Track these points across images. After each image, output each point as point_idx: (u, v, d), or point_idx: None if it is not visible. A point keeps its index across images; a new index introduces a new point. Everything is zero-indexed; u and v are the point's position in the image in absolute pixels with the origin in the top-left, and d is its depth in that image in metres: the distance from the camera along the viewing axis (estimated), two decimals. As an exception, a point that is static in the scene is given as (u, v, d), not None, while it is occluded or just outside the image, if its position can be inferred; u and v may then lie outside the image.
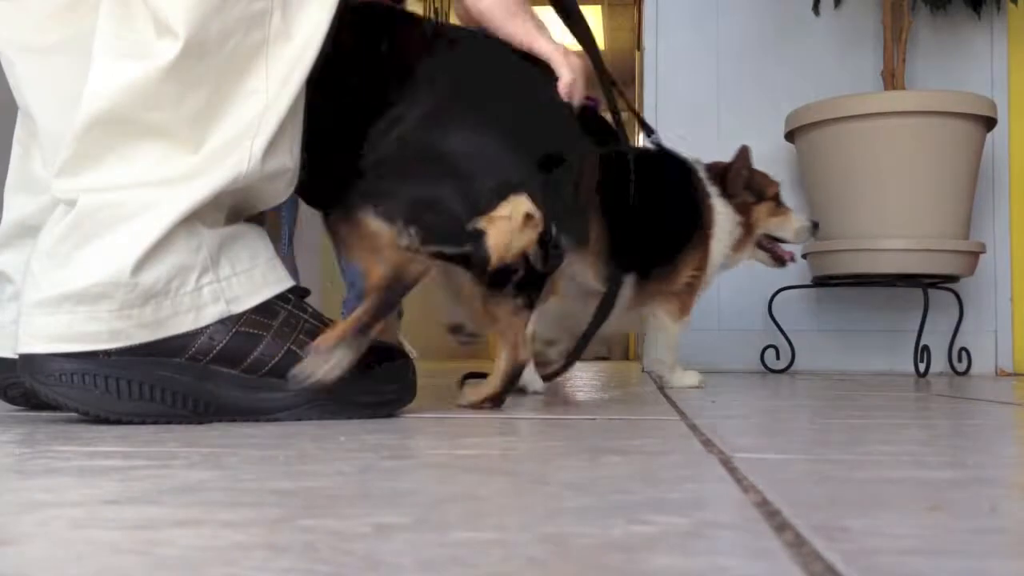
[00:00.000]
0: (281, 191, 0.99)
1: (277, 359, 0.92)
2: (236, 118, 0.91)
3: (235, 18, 0.88)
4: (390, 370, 1.00)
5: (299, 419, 0.92)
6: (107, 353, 0.88)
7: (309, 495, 0.50)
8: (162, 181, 0.89)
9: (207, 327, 0.90)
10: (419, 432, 0.84)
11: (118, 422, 0.89)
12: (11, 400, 1.10)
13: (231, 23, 0.88)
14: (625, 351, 8.68)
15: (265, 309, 0.94)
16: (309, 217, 2.43)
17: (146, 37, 0.87)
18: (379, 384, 0.98)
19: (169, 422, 0.89)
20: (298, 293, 0.98)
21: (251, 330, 0.92)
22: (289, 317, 0.94)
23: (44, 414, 1.02)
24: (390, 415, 0.99)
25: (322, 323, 0.97)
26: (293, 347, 0.93)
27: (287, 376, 0.92)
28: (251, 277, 0.94)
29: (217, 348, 0.91)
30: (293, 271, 2.45)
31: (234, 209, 0.97)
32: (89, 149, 0.89)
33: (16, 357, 0.90)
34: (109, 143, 0.89)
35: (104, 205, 0.88)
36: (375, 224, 0.98)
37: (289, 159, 0.96)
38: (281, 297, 0.95)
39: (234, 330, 0.91)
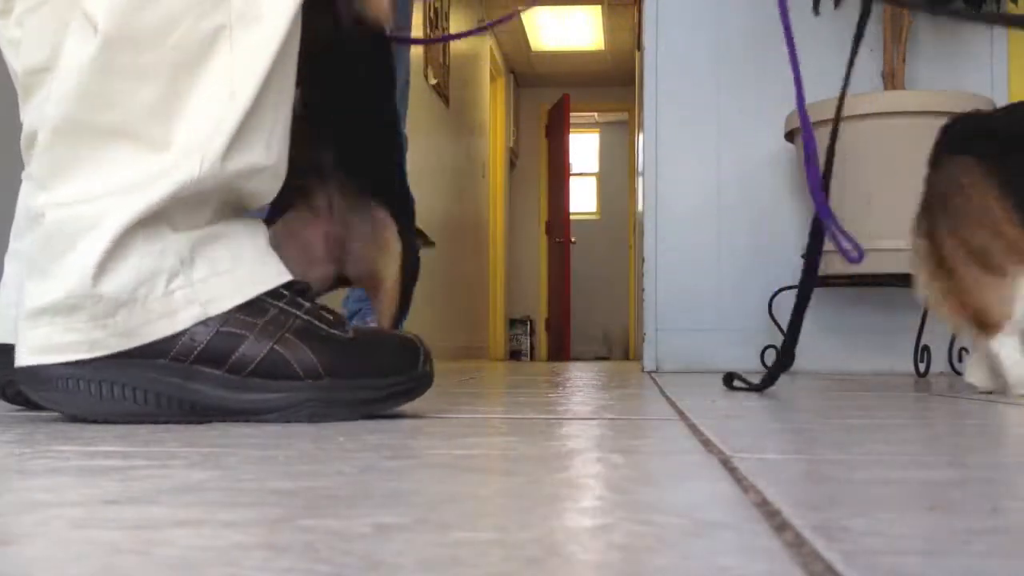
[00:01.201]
0: (264, 189, 0.96)
1: (259, 358, 0.90)
2: (202, 110, 0.88)
3: (177, 6, 0.86)
4: (391, 361, 0.96)
5: (288, 421, 0.90)
6: (92, 357, 0.88)
7: (309, 495, 0.50)
8: (119, 188, 0.88)
9: (187, 329, 0.89)
10: (419, 432, 0.84)
11: (106, 423, 0.89)
12: (9, 399, 1.10)
13: (172, 11, 0.86)
14: (625, 351, 8.67)
15: (252, 307, 0.91)
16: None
17: (76, 37, 0.87)
18: (377, 379, 0.95)
19: (156, 422, 0.89)
20: (296, 289, 0.96)
21: (234, 330, 0.90)
22: (279, 315, 0.92)
23: (44, 414, 1.02)
24: (393, 414, 0.98)
25: (319, 319, 0.94)
26: (276, 346, 0.91)
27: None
28: (234, 277, 0.92)
29: (198, 348, 0.90)
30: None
31: (226, 207, 0.94)
32: (56, 159, 0.89)
33: (11, 343, 0.92)
34: (70, 152, 0.88)
35: (68, 218, 0.88)
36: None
37: (263, 156, 0.93)
38: (273, 294, 0.93)
39: (216, 330, 0.90)
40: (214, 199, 0.92)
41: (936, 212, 1.56)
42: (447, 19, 5.67)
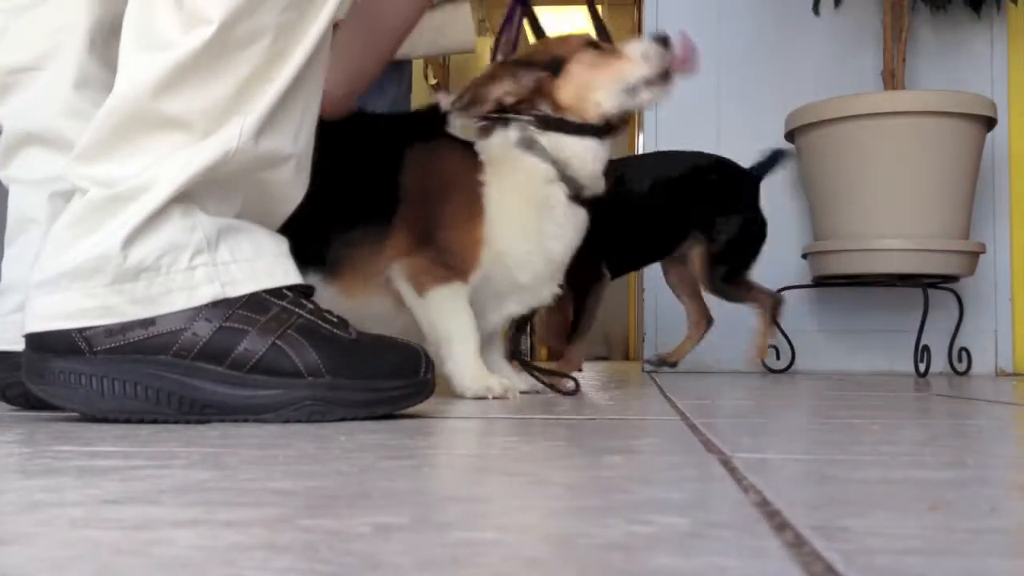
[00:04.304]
0: (291, 181, 0.99)
1: (261, 354, 0.91)
2: (247, 106, 0.92)
3: (264, 24, 0.90)
4: (394, 365, 0.97)
5: (287, 420, 0.90)
6: (93, 352, 0.89)
7: (309, 495, 0.50)
8: (164, 165, 0.90)
9: (194, 320, 0.90)
10: (419, 432, 0.84)
11: (104, 420, 0.90)
12: (10, 400, 1.10)
13: (260, 27, 0.90)
14: (625, 351, 8.67)
15: (256, 304, 0.93)
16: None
17: (171, 33, 0.89)
18: (379, 381, 0.95)
19: (156, 420, 0.89)
20: (301, 291, 0.97)
21: (236, 325, 0.91)
22: (280, 312, 0.93)
23: (44, 414, 1.02)
24: (392, 414, 0.98)
25: (322, 320, 0.95)
26: (278, 342, 0.91)
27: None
28: (252, 266, 0.94)
29: (200, 344, 0.90)
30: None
31: (250, 209, 0.97)
32: (107, 138, 0.91)
33: (12, 350, 0.93)
34: (125, 133, 0.91)
35: (111, 199, 0.90)
36: None
37: (291, 144, 0.96)
38: (277, 294, 0.94)
39: (219, 326, 0.91)
40: (243, 187, 0.95)
41: None
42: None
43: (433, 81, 5.16)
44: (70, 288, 0.89)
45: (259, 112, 0.92)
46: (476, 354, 1.28)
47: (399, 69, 2.30)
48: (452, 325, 1.28)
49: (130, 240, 0.89)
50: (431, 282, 1.28)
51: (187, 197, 0.91)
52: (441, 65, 5.49)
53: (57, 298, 0.90)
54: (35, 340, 0.91)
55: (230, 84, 0.90)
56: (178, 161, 0.90)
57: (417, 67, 4.55)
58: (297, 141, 0.97)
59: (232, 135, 0.91)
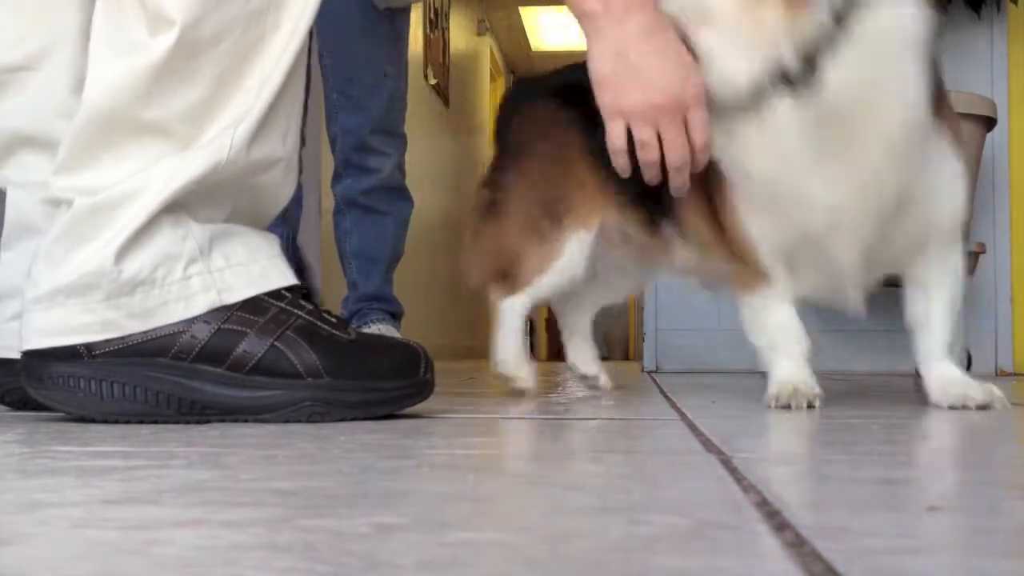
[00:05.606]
0: (280, 182, 0.99)
1: (260, 355, 0.91)
2: (230, 113, 0.91)
3: (232, 16, 0.89)
4: (393, 365, 0.97)
5: (287, 421, 0.90)
6: (92, 356, 0.89)
7: (309, 495, 0.50)
8: (150, 174, 0.90)
9: (192, 323, 0.90)
10: (419, 432, 0.84)
11: (104, 421, 0.90)
12: (10, 404, 1.10)
13: (228, 21, 0.89)
14: (625, 351, 8.67)
15: (255, 306, 0.93)
16: (305, 216, 2.43)
17: (139, 35, 0.89)
18: (378, 381, 0.95)
19: (155, 421, 0.89)
20: (299, 292, 0.97)
21: (235, 327, 0.91)
22: (279, 314, 0.93)
23: (44, 414, 1.02)
24: (392, 414, 0.98)
25: (321, 320, 0.95)
26: (277, 343, 0.91)
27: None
28: (247, 270, 0.94)
29: (199, 346, 0.90)
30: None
31: (240, 211, 0.97)
32: (86, 147, 0.90)
33: (11, 357, 0.92)
34: (105, 141, 0.90)
35: (97, 207, 0.89)
36: None
37: (280, 147, 0.96)
38: (276, 295, 0.94)
39: (217, 327, 0.91)
40: (233, 193, 0.95)
41: (510, 161, 1.42)
42: (447, 19, 5.68)
43: (433, 81, 5.16)
44: (66, 304, 0.89)
45: (250, 121, 0.91)
46: None
47: (397, 60, 2.29)
48: None
49: (123, 253, 0.88)
50: None
51: (177, 206, 0.90)
52: (441, 65, 5.49)
53: (54, 314, 0.89)
54: (28, 364, 0.91)
55: (206, 85, 0.89)
56: (166, 171, 0.89)
57: (416, 67, 4.55)
58: (285, 143, 0.97)
59: (223, 145, 0.90)
